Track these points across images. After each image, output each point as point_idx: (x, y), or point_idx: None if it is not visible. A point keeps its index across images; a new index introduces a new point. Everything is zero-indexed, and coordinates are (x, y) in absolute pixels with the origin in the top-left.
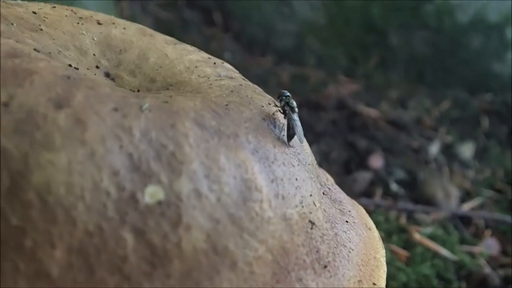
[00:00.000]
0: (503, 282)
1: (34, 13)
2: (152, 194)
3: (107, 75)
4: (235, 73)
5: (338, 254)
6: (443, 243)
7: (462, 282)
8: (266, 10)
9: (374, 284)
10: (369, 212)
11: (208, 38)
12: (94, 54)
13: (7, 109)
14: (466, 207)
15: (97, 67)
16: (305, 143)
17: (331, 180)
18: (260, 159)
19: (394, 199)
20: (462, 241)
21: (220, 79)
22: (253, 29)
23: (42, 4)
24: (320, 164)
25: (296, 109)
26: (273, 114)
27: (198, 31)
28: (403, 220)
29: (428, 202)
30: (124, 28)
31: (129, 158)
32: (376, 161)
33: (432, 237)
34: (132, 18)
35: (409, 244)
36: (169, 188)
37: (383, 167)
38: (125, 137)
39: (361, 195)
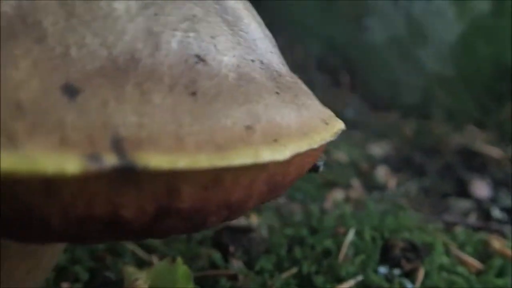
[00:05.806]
0: None
1: None
2: None
3: None
4: None
5: (226, 91)
6: None
7: None
8: (392, 66)
9: (275, 140)
10: (452, 225)
11: (333, 97)
12: None
13: None
14: None
15: None
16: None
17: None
18: None
19: (488, 220)
20: None
21: None
22: (379, 86)
23: None
24: (416, 196)
25: None
26: None
27: (324, 92)
28: (492, 239)
29: None
30: None
31: None
32: (481, 189)
33: None
34: None
35: (486, 256)
36: None
37: (488, 197)
38: None
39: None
